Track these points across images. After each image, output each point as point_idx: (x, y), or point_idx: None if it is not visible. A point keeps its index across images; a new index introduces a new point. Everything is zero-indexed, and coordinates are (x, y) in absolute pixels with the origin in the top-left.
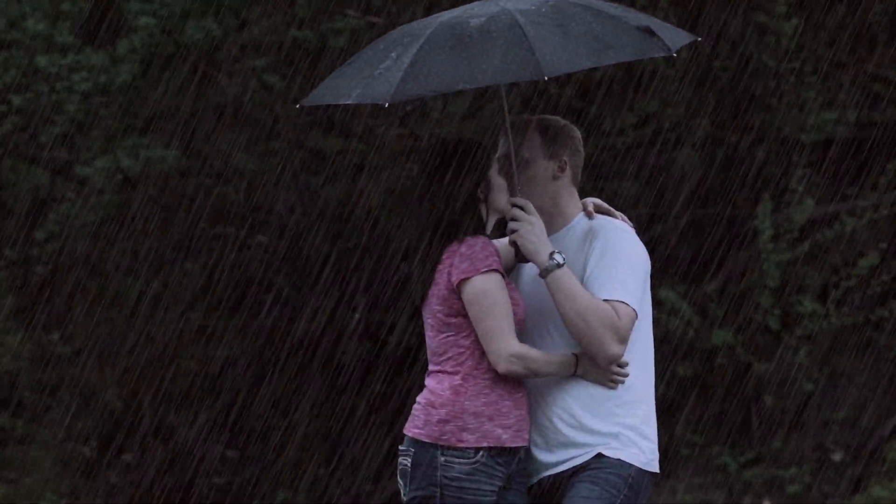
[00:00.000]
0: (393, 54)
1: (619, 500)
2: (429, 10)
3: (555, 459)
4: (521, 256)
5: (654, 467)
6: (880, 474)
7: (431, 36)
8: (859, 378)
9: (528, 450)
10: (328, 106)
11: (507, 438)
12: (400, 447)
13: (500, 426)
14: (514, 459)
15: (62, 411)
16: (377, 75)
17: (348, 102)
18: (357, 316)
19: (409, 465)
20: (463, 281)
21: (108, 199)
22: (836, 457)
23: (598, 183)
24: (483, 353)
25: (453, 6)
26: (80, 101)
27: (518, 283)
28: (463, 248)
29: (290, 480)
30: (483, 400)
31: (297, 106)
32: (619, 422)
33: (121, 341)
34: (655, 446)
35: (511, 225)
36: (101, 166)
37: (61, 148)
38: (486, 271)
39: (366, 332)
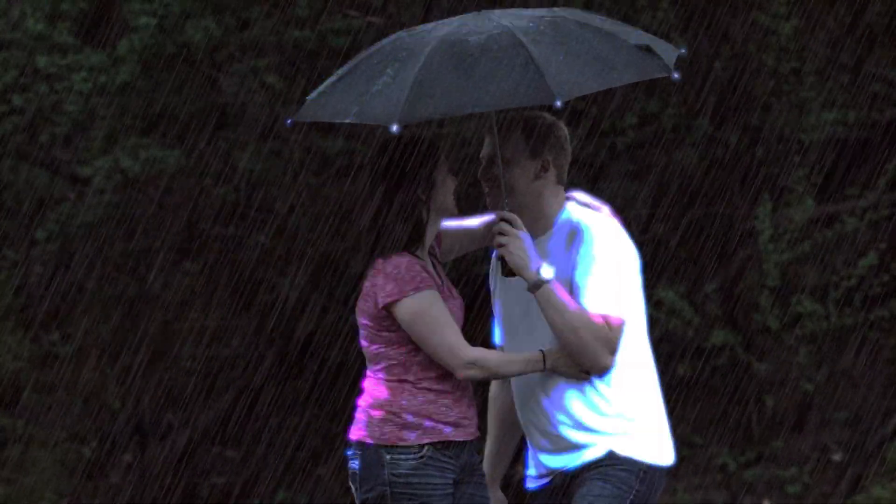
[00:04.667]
0: (389, 70)
1: (631, 496)
2: (428, 11)
3: (565, 461)
4: (507, 270)
5: (667, 460)
6: (880, 474)
7: (431, 54)
8: (859, 378)
9: (536, 451)
10: None
11: (450, 433)
12: (347, 452)
13: (441, 423)
14: (464, 451)
15: (62, 411)
16: (375, 92)
17: (347, 121)
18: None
19: (357, 468)
20: (392, 304)
21: (108, 199)
22: (836, 457)
23: (599, 183)
24: (414, 362)
25: (452, 7)
26: (80, 101)
27: (504, 286)
28: (388, 268)
29: (290, 480)
30: (420, 398)
31: (287, 122)
32: (627, 418)
33: (121, 341)
34: (667, 438)
35: (498, 239)
36: (101, 166)
37: (61, 148)
38: (415, 292)
39: None
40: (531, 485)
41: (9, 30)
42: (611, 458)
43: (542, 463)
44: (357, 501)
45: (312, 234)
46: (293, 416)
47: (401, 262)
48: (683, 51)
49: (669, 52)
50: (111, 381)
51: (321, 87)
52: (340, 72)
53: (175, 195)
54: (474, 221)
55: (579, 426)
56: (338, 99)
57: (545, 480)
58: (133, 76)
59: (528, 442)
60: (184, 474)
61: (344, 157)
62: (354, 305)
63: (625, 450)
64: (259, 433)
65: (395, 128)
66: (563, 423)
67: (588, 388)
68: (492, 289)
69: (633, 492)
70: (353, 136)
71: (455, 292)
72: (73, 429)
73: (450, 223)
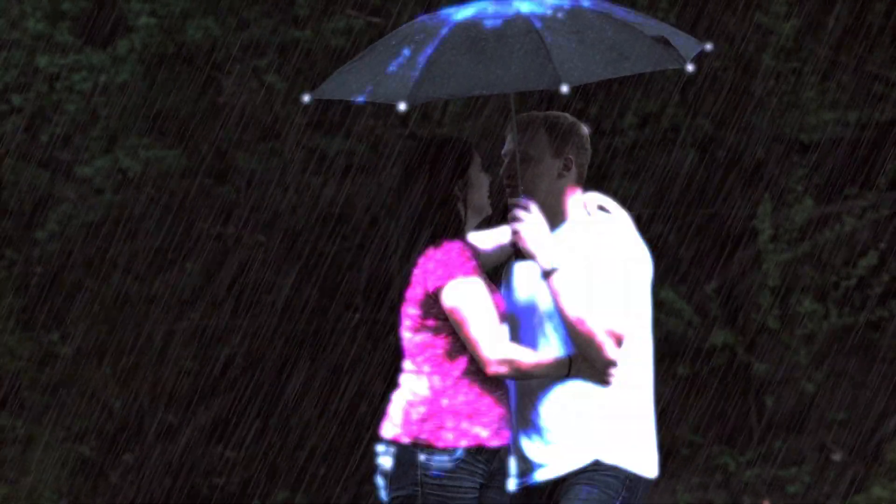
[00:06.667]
0: (406, 51)
1: (617, 502)
2: (427, 12)
3: (552, 462)
4: (520, 255)
5: (653, 471)
6: (880, 474)
7: (447, 36)
8: (859, 378)
9: (523, 452)
10: (328, 106)
11: (487, 437)
12: (377, 447)
13: (480, 424)
14: (495, 457)
15: (62, 411)
16: (390, 73)
17: (359, 101)
18: (357, 316)
19: (388, 465)
20: (440, 288)
21: (108, 199)
22: (836, 457)
23: (598, 183)
24: (459, 353)
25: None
26: (80, 101)
27: (512, 280)
28: (438, 254)
29: (290, 480)
30: (461, 399)
31: (305, 99)
32: (618, 425)
33: (121, 341)
34: (655, 449)
35: (513, 225)
36: (101, 166)
37: (61, 148)
38: (463, 277)
39: (366, 332)
40: (511, 486)
41: (9, 29)
42: (597, 465)
43: (529, 462)
44: (385, 499)
45: (312, 234)
46: (293, 416)
47: (452, 247)
48: (709, 47)
49: (691, 47)
50: (111, 381)
51: (342, 67)
52: (362, 54)
53: (175, 195)
54: (503, 233)
55: (570, 428)
56: (355, 77)
57: (531, 481)
58: (133, 76)
59: (513, 439)
60: (184, 474)
61: (344, 157)
62: (355, 305)
63: (611, 458)
64: (259, 433)
65: (402, 106)
66: (555, 424)
67: (583, 392)
68: (502, 283)
69: (620, 498)
70: (352, 136)
71: (493, 287)
72: (73, 429)
73: (480, 236)
